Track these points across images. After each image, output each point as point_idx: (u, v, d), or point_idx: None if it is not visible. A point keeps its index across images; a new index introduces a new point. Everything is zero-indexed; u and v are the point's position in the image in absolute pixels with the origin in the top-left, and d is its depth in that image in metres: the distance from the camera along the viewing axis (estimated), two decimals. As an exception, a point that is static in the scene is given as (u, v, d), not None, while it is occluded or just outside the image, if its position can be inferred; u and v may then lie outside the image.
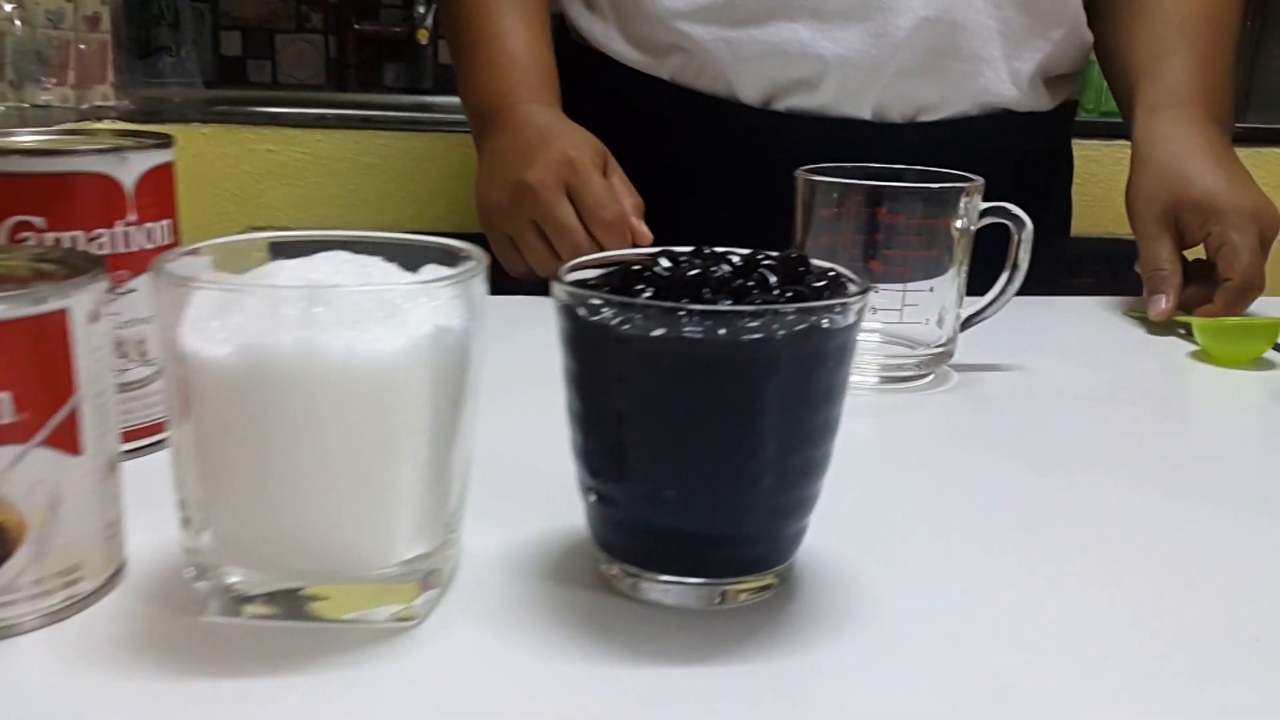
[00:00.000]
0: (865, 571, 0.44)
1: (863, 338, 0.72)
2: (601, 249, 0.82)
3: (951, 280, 0.68)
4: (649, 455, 0.39)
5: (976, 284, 0.70)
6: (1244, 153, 1.53)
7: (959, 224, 0.67)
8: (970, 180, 0.67)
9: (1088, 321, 0.86)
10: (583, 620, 0.40)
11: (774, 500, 0.40)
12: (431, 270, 0.40)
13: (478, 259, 0.40)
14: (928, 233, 0.66)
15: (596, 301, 0.37)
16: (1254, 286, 0.81)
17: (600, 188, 0.82)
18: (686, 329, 0.36)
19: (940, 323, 0.68)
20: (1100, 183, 1.46)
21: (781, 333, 0.36)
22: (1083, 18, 0.96)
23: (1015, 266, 0.69)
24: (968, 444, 0.60)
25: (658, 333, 0.36)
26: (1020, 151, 0.97)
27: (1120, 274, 1.62)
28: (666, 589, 0.41)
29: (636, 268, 0.40)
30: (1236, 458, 0.60)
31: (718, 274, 0.39)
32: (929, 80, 0.91)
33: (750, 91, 0.92)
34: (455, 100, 1.87)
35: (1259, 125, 1.55)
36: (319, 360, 0.34)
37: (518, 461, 0.51)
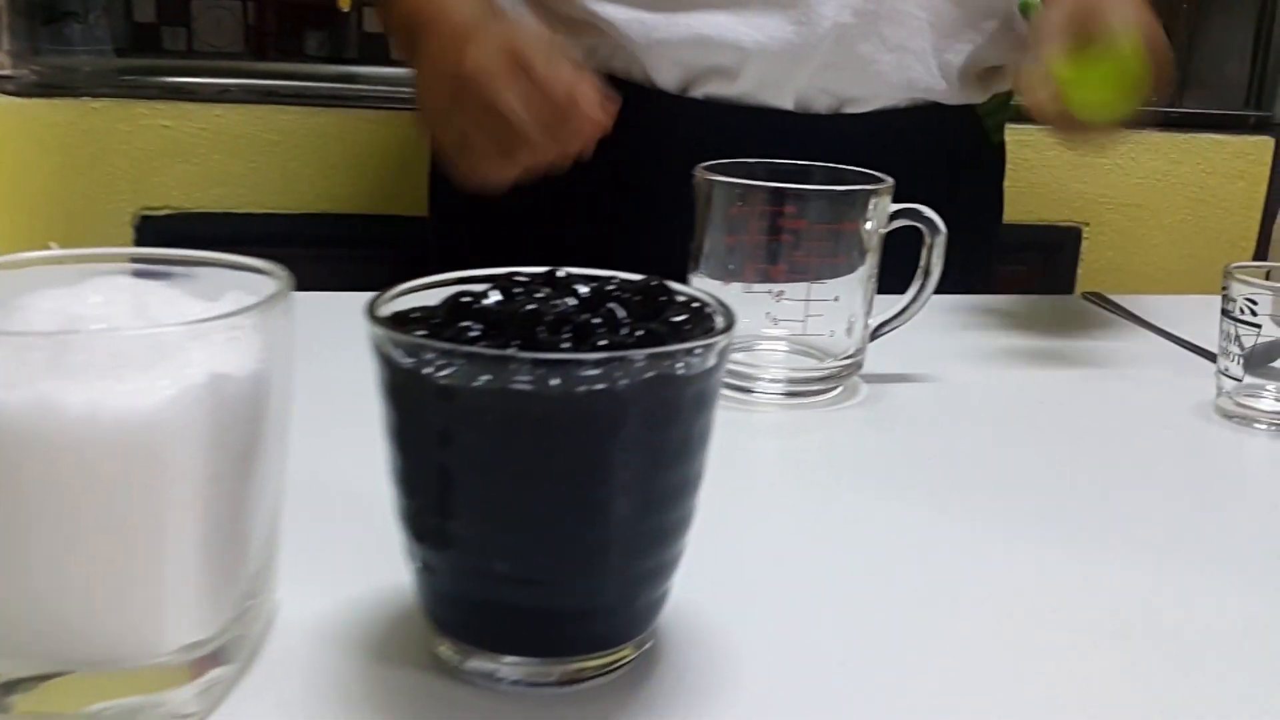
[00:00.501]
0: (736, 635, 0.39)
1: (767, 347, 0.67)
2: (555, 140, 0.70)
3: (860, 286, 0.63)
4: (477, 522, 0.33)
5: (897, 283, 0.65)
6: (1179, 138, 1.50)
7: (868, 227, 0.62)
8: (880, 181, 0.62)
9: (1009, 324, 0.82)
10: (407, 708, 0.34)
11: (625, 570, 0.34)
12: (232, 299, 0.34)
13: (281, 285, 0.34)
14: (834, 236, 0.61)
15: (414, 344, 0.32)
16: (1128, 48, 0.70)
17: (548, 69, 0.69)
18: (517, 379, 0.31)
19: (849, 331, 0.63)
20: (1033, 168, 1.43)
21: (626, 382, 0.31)
22: (1015, 9, 0.92)
23: (927, 273, 0.64)
24: (868, 472, 0.55)
25: (482, 382, 0.31)
26: (950, 144, 0.92)
27: (1052, 261, 1.59)
28: (502, 668, 0.35)
29: (466, 300, 0.34)
30: (1154, 491, 0.55)
31: (559, 308, 0.34)
32: (854, 72, 0.85)
33: (666, 77, 0.86)
34: (379, 71, 1.80)
35: (1194, 110, 1.52)
36: (57, 419, 0.28)
37: (354, 501, 0.46)
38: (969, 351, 0.74)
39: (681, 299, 0.36)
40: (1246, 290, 0.61)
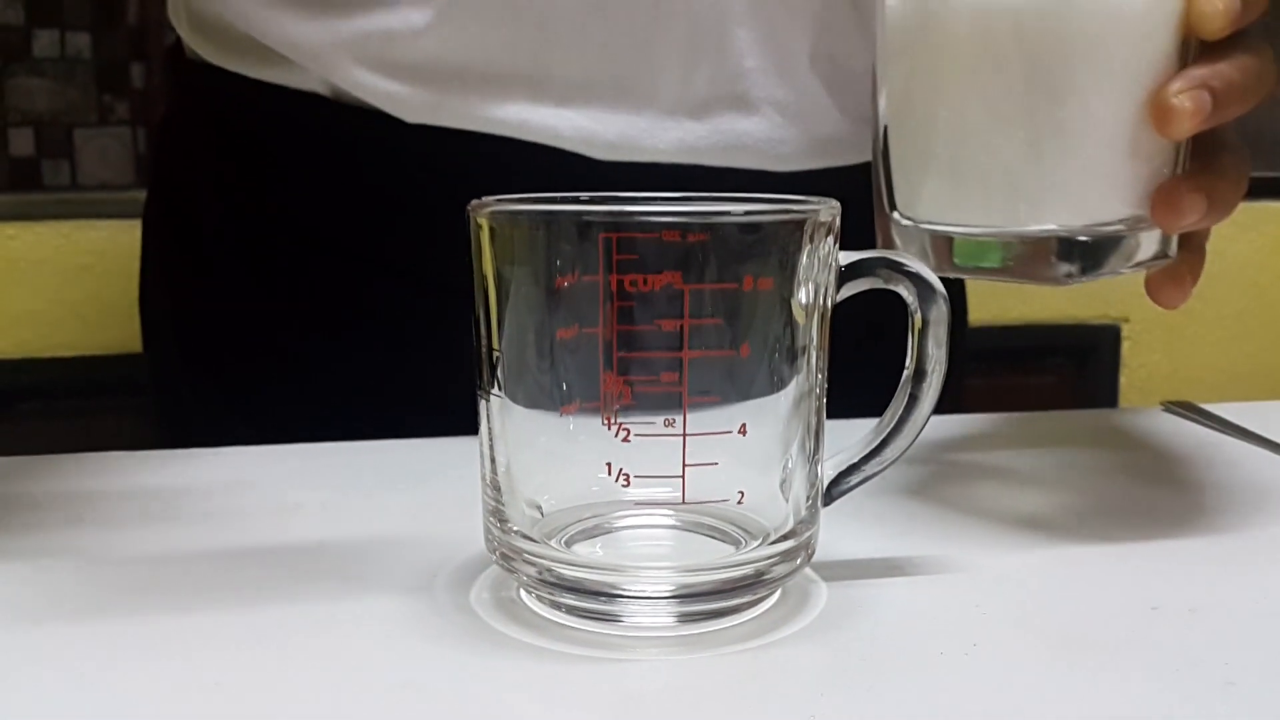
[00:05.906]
0: None
1: (636, 527, 0.38)
2: None
3: (797, 404, 0.33)
4: None
5: (856, 400, 0.36)
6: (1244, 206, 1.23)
7: (802, 294, 0.33)
8: (814, 206, 0.33)
9: (1058, 457, 0.52)
10: None
11: None
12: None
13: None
14: (736, 309, 0.32)
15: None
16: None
17: None
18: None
19: (784, 488, 0.34)
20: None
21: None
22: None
23: (921, 372, 0.35)
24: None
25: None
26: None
27: (1087, 367, 1.29)
28: None
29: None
30: None
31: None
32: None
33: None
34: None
35: (1266, 174, 1.25)
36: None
37: None
38: (1007, 512, 0.44)
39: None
40: None
